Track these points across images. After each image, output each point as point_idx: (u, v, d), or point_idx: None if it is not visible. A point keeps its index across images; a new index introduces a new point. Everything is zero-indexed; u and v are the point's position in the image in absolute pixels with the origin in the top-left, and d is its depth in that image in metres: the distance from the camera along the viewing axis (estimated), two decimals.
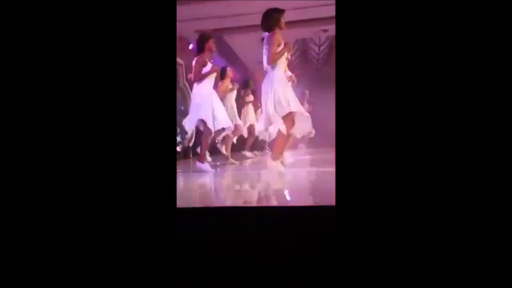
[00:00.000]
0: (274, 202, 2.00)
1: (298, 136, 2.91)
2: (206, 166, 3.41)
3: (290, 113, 2.71)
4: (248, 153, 5.54)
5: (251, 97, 5.56)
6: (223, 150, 4.38)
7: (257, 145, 6.42)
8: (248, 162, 4.85)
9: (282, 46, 2.73)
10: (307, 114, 2.85)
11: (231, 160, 4.43)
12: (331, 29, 5.93)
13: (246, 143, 5.55)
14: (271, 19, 2.71)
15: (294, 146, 5.41)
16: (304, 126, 2.84)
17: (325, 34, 6.39)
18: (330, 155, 5.19)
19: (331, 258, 1.13)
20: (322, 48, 7.78)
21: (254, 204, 1.96)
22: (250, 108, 5.50)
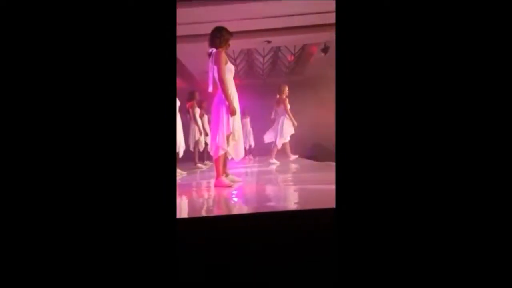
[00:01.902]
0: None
1: (229, 157, 3.01)
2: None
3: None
4: (198, 164, 5.48)
5: (197, 110, 5.47)
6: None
7: (205, 155, 6.39)
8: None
9: (228, 64, 2.83)
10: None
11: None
12: (274, 40, 6.13)
13: (194, 155, 5.49)
14: (222, 38, 2.80)
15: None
16: (237, 148, 2.95)
17: (268, 45, 6.57)
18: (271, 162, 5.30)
19: (331, 260, 1.13)
20: (266, 58, 7.98)
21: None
22: (197, 121, 5.43)
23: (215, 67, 2.76)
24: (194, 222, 1.60)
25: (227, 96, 2.73)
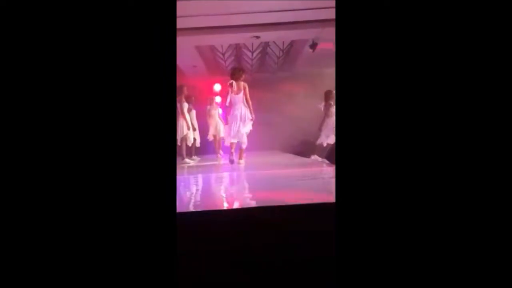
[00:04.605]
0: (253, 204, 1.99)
1: None
2: None
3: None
4: (186, 159, 5.45)
5: (185, 105, 5.42)
6: None
7: (193, 151, 6.36)
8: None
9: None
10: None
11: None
12: (263, 35, 6.11)
13: (182, 150, 5.44)
14: (238, 75, 4.65)
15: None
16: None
17: (257, 40, 6.54)
18: (262, 158, 5.32)
19: (330, 254, 1.12)
20: (255, 54, 7.95)
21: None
22: (185, 116, 5.38)
23: (244, 94, 4.58)
24: (192, 216, 1.60)
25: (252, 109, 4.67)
